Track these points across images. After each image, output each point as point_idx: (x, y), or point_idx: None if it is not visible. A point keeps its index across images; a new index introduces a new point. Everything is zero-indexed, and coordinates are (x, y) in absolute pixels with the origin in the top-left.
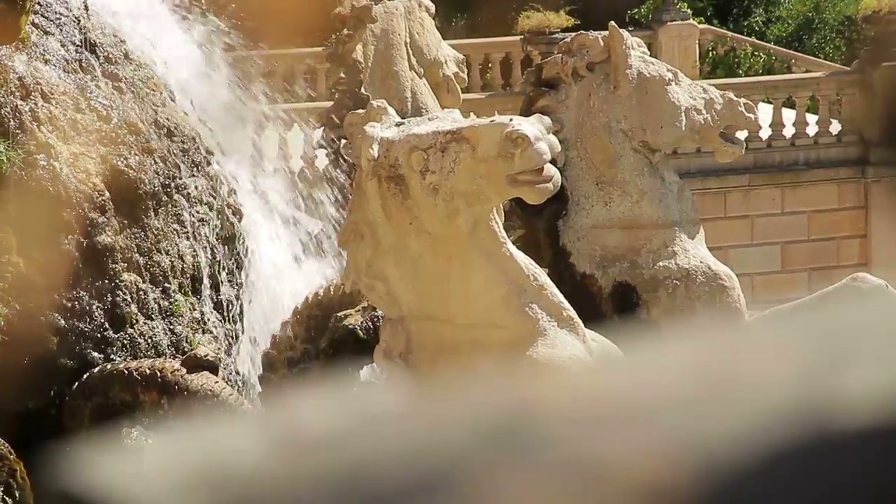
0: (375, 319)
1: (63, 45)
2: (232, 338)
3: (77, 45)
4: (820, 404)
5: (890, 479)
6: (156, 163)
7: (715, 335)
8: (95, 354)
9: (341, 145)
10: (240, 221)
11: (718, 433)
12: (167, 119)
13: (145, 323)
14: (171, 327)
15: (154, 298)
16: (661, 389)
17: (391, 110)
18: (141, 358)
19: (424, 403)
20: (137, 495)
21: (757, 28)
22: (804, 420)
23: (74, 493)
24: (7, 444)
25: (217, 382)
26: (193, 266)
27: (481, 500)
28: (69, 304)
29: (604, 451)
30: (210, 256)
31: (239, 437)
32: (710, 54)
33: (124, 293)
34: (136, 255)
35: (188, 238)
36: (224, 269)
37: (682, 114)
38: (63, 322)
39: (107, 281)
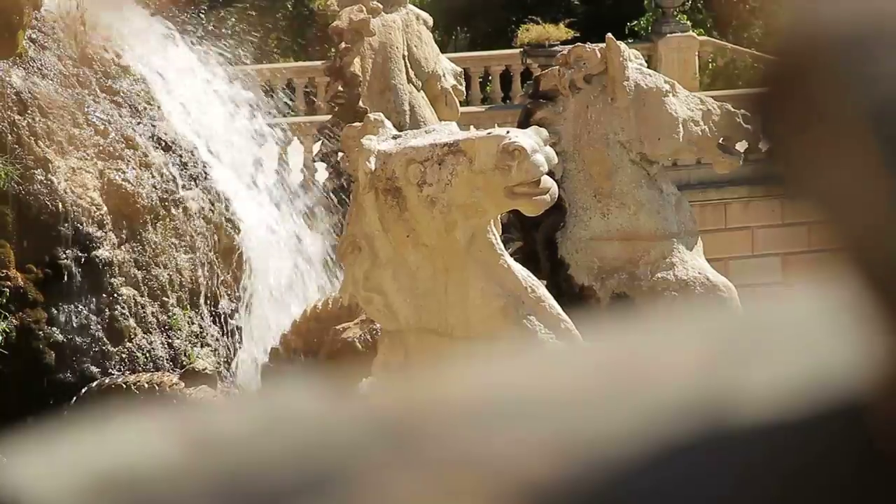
0: (374, 332)
1: (60, 60)
2: (231, 351)
3: (74, 60)
4: (718, 399)
5: (785, 475)
6: (153, 177)
7: (623, 332)
8: (94, 369)
9: (339, 158)
10: (238, 235)
11: (612, 429)
12: (164, 133)
13: (143, 337)
14: (170, 341)
15: (152, 312)
16: (558, 386)
17: (388, 123)
18: (139, 372)
19: (325, 403)
20: (45, 496)
21: (757, 40)
22: (701, 415)
23: None
24: None
25: (216, 396)
26: (192, 280)
27: (368, 498)
28: (67, 319)
29: (492, 449)
30: (208, 270)
31: (152, 438)
32: (710, 66)
33: (122, 307)
34: (134, 269)
35: (186, 252)
36: (222, 282)
37: (680, 125)
38: (61, 336)
39: (105, 295)
